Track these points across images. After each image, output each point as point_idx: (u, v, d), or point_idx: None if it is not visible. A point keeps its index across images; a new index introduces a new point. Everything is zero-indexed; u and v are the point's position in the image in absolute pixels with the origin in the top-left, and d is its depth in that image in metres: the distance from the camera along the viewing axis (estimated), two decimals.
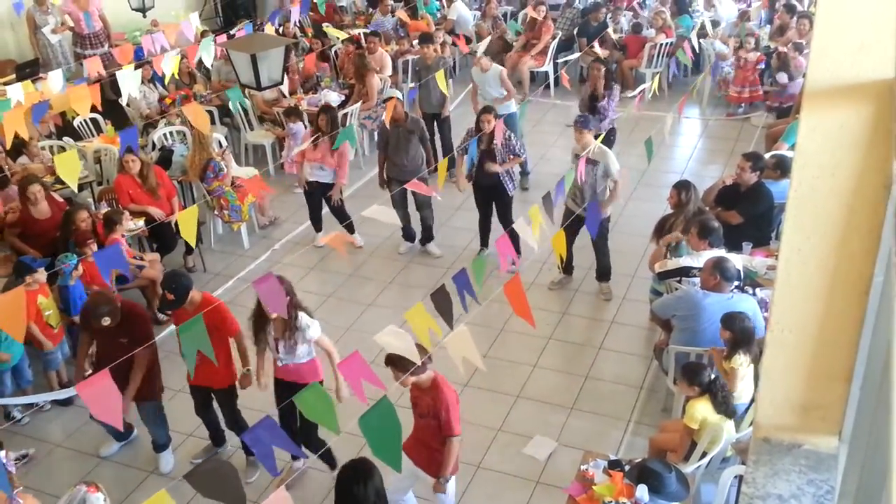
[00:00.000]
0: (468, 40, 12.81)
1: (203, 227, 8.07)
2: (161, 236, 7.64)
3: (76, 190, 6.93)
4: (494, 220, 7.75)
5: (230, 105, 9.24)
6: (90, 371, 5.53)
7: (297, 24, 11.96)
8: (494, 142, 7.22)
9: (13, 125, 6.00)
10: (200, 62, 9.20)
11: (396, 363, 4.26)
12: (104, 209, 7.51)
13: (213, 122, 9.62)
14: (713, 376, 4.73)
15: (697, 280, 5.63)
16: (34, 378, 6.22)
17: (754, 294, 5.75)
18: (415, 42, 11.46)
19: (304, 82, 10.70)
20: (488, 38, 11.57)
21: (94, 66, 7.87)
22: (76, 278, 6.30)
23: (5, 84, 7.92)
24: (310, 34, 12.31)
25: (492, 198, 7.63)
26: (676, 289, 5.88)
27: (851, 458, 2.22)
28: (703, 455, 4.69)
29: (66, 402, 6.16)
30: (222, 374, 5.29)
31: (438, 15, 13.50)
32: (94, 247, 6.47)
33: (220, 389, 5.39)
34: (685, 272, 5.83)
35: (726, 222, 6.30)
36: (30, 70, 9.44)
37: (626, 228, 8.00)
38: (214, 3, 13.66)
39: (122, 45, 9.28)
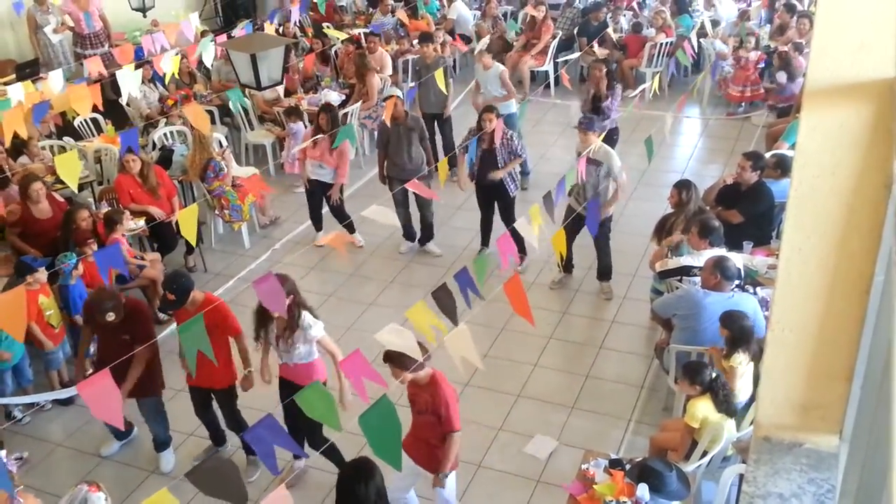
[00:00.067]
0: (468, 40, 12.82)
1: (203, 226, 8.07)
2: (161, 236, 7.65)
3: (76, 190, 6.93)
4: (496, 219, 7.76)
5: (230, 105, 9.24)
6: (91, 370, 5.54)
7: (298, 23, 11.97)
8: (495, 142, 7.22)
9: (12, 125, 6.01)
10: (201, 62, 9.20)
11: (395, 360, 4.26)
12: (105, 209, 7.51)
13: (213, 122, 9.62)
14: (714, 375, 4.74)
15: (698, 279, 5.63)
16: (35, 377, 6.22)
17: (755, 293, 5.76)
18: (415, 42, 11.47)
19: (304, 82, 10.70)
20: (487, 37, 11.57)
21: (94, 66, 7.87)
22: (76, 277, 6.30)
23: (5, 84, 7.92)
24: (310, 34, 12.30)
25: (494, 198, 7.63)
26: (677, 288, 5.88)
27: (852, 457, 2.22)
28: (704, 454, 4.69)
29: (67, 402, 6.17)
30: (222, 375, 5.28)
31: (438, 15, 13.51)
32: (95, 246, 6.47)
33: (220, 390, 5.39)
34: (686, 271, 5.83)
35: (727, 221, 6.30)
36: (30, 70, 9.45)
37: (626, 228, 8.00)
38: (214, 3, 13.66)
39: (123, 45, 9.29)
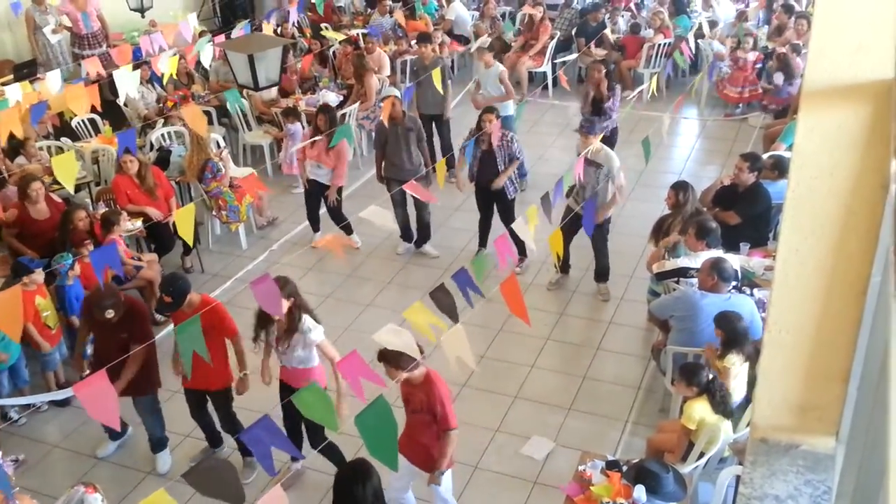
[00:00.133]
0: (466, 41, 12.83)
1: (201, 227, 8.06)
2: (159, 237, 7.64)
3: (72, 191, 6.92)
4: (495, 220, 7.76)
5: (228, 105, 9.23)
6: (88, 371, 5.53)
7: (296, 24, 11.97)
8: (494, 143, 7.22)
9: (8, 124, 6.00)
10: (199, 63, 9.20)
11: (389, 360, 4.25)
12: (102, 210, 7.50)
13: (211, 123, 9.62)
14: (711, 376, 4.74)
15: (695, 281, 5.63)
16: (31, 379, 6.21)
17: (752, 294, 5.76)
18: (413, 42, 11.47)
19: (302, 83, 10.70)
20: (486, 36, 11.57)
21: (92, 67, 7.86)
22: (73, 278, 6.29)
23: (3, 84, 7.90)
24: (308, 34, 12.31)
25: (493, 199, 7.63)
26: (674, 289, 5.89)
27: (849, 459, 2.22)
28: (701, 455, 4.69)
29: (64, 403, 6.15)
30: (217, 377, 5.26)
31: (437, 15, 13.52)
32: (91, 247, 6.46)
33: (216, 392, 5.38)
34: (683, 273, 5.84)
35: (724, 223, 6.30)
36: (27, 70, 9.44)
37: (623, 229, 8.00)
38: (213, 4, 13.66)
39: (121, 46, 9.29)
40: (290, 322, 4.92)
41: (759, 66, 10.79)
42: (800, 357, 2.12)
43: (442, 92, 8.69)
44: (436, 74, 7.80)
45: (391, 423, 3.29)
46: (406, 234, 8.15)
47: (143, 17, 11.53)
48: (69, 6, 10.75)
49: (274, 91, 9.64)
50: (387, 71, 10.82)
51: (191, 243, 7.39)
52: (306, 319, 4.95)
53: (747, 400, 4.84)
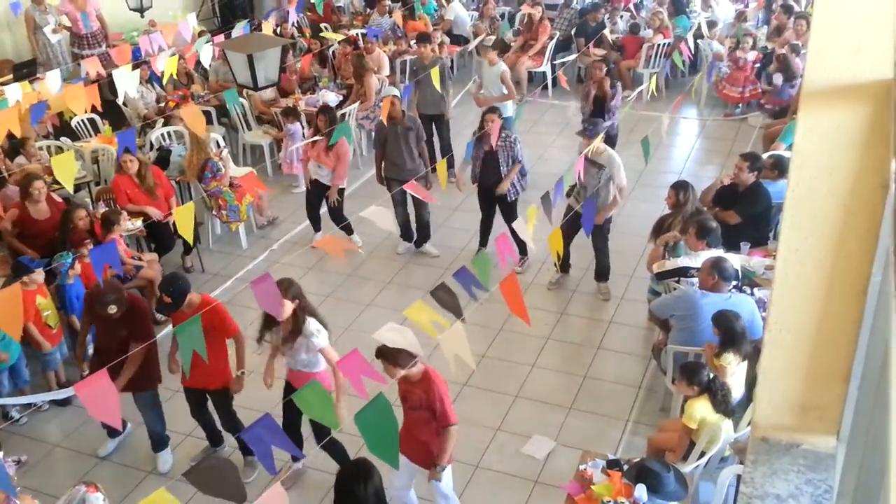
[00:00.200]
0: (465, 41, 12.83)
1: (201, 227, 8.06)
2: (159, 236, 7.64)
3: (72, 191, 6.92)
4: (496, 220, 7.75)
5: (228, 105, 9.23)
6: (88, 371, 5.53)
7: (295, 24, 11.97)
8: (495, 143, 7.22)
9: (6, 124, 6.00)
10: (199, 62, 9.20)
11: (388, 356, 4.24)
12: (102, 209, 7.50)
13: (210, 123, 9.61)
14: (712, 376, 4.74)
15: (695, 280, 5.64)
16: (32, 378, 6.21)
17: (752, 294, 5.77)
18: (412, 42, 11.48)
19: (301, 83, 10.70)
20: (484, 36, 11.57)
21: (92, 67, 7.86)
22: (74, 278, 6.30)
23: (3, 84, 7.91)
24: (307, 34, 12.31)
25: (495, 200, 7.63)
26: (675, 289, 5.89)
27: (849, 458, 2.23)
28: (702, 454, 4.70)
29: (65, 403, 6.16)
30: (217, 376, 5.26)
31: (436, 15, 13.51)
32: (91, 246, 6.46)
33: (215, 390, 5.38)
34: (683, 272, 5.84)
35: (724, 222, 6.30)
36: (27, 70, 9.44)
37: (624, 228, 8.01)
38: (212, 4, 13.66)
39: (120, 46, 9.28)
40: (294, 324, 4.91)
41: (758, 66, 10.80)
42: (800, 356, 2.12)
43: (441, 92, 8.67)
44: (434, 74, 7.80)
45: (391, 421, 3.29)
46: (406, 234, 8.16)
47: (142, 16, 11.53)
48: (69, 6, 10.75)
49: (273, 91, 9.65)
50: (386, 71, 10.83)
51: (191, 242, 7.39)
52: (311, 323, 4.92)
53: (747, 399, 4.85)
